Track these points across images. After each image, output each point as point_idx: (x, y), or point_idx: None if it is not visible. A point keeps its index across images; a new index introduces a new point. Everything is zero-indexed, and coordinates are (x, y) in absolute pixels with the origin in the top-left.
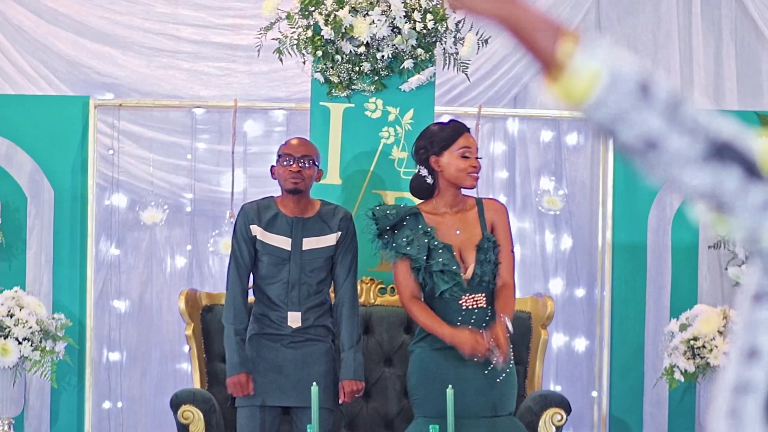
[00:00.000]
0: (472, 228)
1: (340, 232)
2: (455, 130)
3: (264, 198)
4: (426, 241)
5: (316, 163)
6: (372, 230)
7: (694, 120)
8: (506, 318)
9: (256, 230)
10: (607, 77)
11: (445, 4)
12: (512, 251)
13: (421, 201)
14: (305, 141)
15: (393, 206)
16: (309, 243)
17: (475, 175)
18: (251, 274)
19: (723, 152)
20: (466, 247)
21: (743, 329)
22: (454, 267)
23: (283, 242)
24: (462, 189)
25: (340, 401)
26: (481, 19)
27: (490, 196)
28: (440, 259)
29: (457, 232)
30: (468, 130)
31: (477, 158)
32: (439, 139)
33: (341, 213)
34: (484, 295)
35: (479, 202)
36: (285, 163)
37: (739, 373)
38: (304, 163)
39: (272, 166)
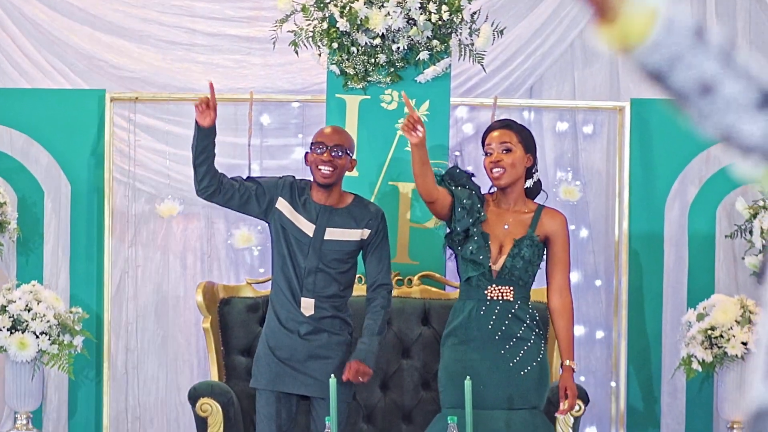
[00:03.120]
0: (521, 227)
1: (369, 230)
2: (486, 129)
3: (302, 179)
4: (471, 220)
5: (349, 153)
6: (441, 170)
7: (746, 67)
8: (571, 363)
9: (283, 205)
10: (664, 18)
11: None
12: (569, 262)
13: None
14: (339, 129)
15: (471, 181)
16: (332, 233)
17: (497, 171)
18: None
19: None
20: (508, 240)
21: None
22: (481, 257)
23: (307, 227)
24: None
25: (344, 378)
26: None
27: (554, 207)
28: (470, 247)
29: (506, 226)
30: (499, 125)
31: (505, 151)
32: (481, 141)
33: (373, 210)
34: (512, 288)
35: (540, 207)
36: (318, 151)
37: None
38: (337, 152)
39: (306, 153)
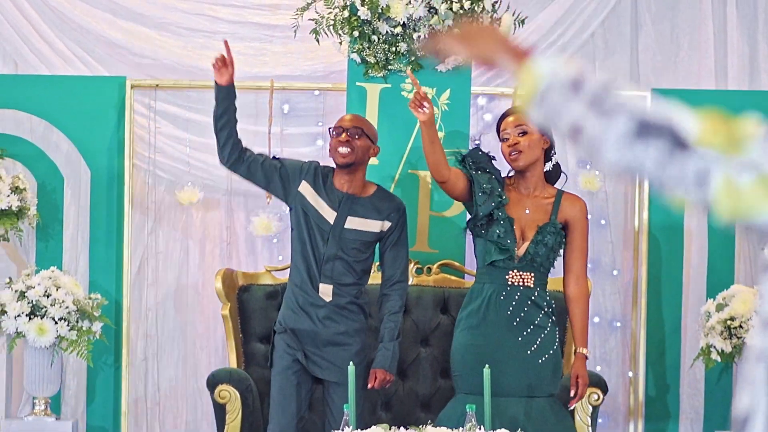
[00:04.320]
0: (542, 212)
1: (390, 223)
2: (500, 116)
3: (325, 166)
4: (493, 204)
5: (369, 136)
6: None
7: (616, 104)
8: (585, 351)
9: (305, 188)
10: (546, 79)
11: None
12: (588, 248)
13: (509, 175)
14: (359, 116)
15: (491, 164)
16: (352, 222)
17: (514, 155)
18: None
19: (644, 130)
20: (530, 226)
21: (761, 300)
22: (508, 241)
23: (329, 214)
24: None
25: (369, 386)
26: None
27: (574, 192)
28: (497, 231)
29: (527, 211)
30: (513, 111)
31: (521, 134)
32: (496, 129)
33: (395, 203)
34: (533, 275)
35: (559, 193)
36: (335, 134)
37: (758, 342)
38: (354, 133)
39: (330, 141)
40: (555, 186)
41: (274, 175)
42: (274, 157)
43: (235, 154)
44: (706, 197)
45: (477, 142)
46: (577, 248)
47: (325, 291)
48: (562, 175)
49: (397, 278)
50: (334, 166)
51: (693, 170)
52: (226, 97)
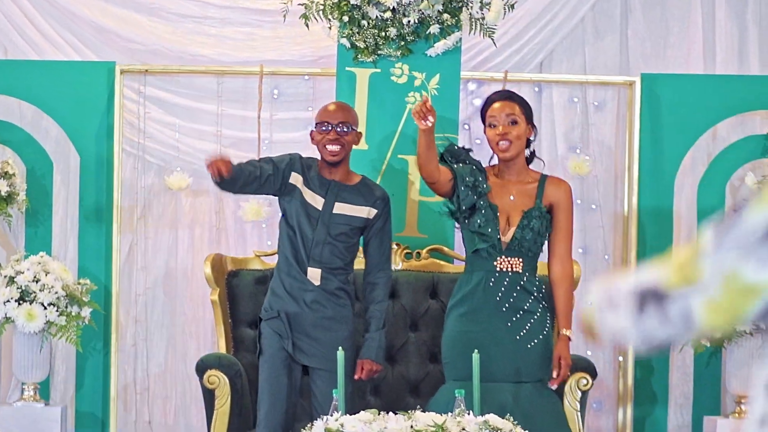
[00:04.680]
0: (527, 198)
1: (376, 210)
2: (486, 100)
3: (308, 157)
4: (475, 197)
5: (354, 128)
6: (441, 147)
7: (620, 295)
8: (568, 332)
9: (296, 178)
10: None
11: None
12: (572, 231)
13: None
14: (342, 105)
15: (470, 156)
16: (340, 208)
17: (504, 143)
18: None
19: (639, 305)
20: (515, 212)
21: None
22: (489, 230)
23: (317, 201)
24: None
25: (356, 377)
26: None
27: (557, 175)
28: (478, 220)
29: (512, 197)
30: (501, 97)
31: (512, 123)
32: (480, 112)
33: (380, 192)
34: (521, 260)
35: (543, 177)
36: (323, 129)
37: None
38: (343, 129)
39: (311, 131)
40: (537, 170)
41: (266, 183)
42: (261, 159)
43: (258, 181)
44: (696, 328)
45: (467, 127)
46: (561, 230)
47: (314, 275)
48: (539, 161)
49: (381, 266)
50: (320, 157)
51: (678, 313)
52: (232, 181)
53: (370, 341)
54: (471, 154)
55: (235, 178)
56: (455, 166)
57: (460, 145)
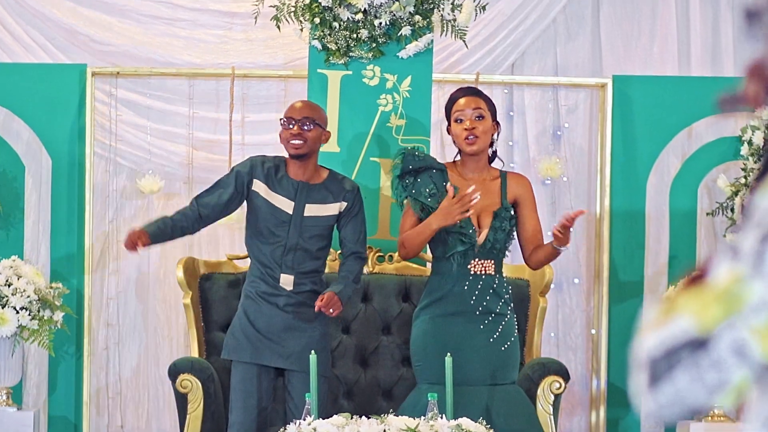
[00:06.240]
0: (493, 196)
1: (346, 203)
2: (451, 97)
3: (276, 156)
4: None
5: (320, 125)
6: (397, 168)
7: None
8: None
9: (259, 186)
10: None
11: None
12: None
13: (449, 161)
14: (309, 103)
15: (426, 154)
16: (311, 210)
17: (471, 139)
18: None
19: (657, 372)
20: (484, 213)
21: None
22: (471, 230)
23: (286, 205)
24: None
25: (315, 307)
26: None
27: (516, 171)
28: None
29: (477, 197)
30: (466, 93)
31: (478, 117)
32: (445, 109)
33: (348, 185)
34: (492, 262)
35: (503, 174)
36: (288, 125)
37: None
38: (305, 125)
39: (281, 131)
40: (496, 167)
41: (235, 199)
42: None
43: (196, 226)
44: (755, 360)
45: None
46: (530, 221)
47: (287, 281)
48: (499, 160)
49: (355, 249)
50: (287, 155)
51: (728, 350)
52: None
53: (337, 285)
54: (426, 157)
55: (161, 238)
56: (414, 200)
57: (431, 146)
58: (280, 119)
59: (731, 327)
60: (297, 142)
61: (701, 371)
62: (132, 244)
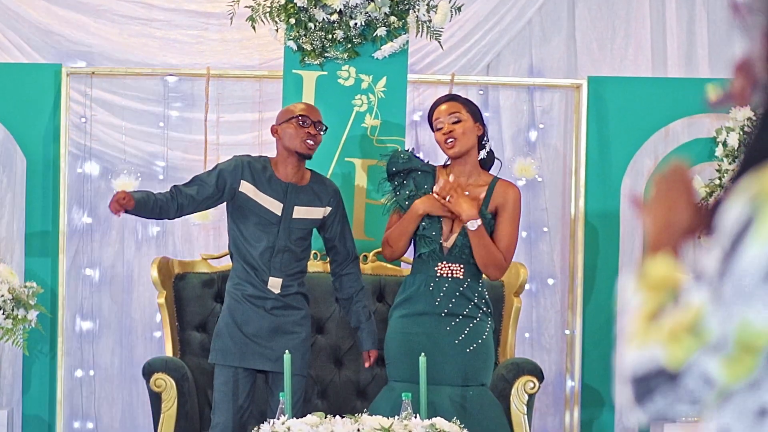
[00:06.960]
0: (474, 202)
1: (330, 208)
2: (431, 106)
3: (261, 156)
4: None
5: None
6: (383, 170)
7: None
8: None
9: (247, 187)
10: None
11: None
12: (516, 235)
13: (442, 165)
14: (316, 108)
15: (413, 156)
16: (299, 212)
17: (450, 142)
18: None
19: (642, 393)
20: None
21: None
22: (433, 233)
23: (275, 206)
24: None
25: (366, 365)
26: None
27: (509, 180)
28: (423, 223)
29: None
30: (445, 99)
31: (455, 122)
32: (428, 119)
33: (332, 188)
34: (462, 266)
35: (494, 180)
36: (302, 123)
37: None
38: (319, 129)
39: (273, 126)
40: (491, 173)
41: (214, 197)
42: (207, 173)
43: (172, 212)
44: (718, 387)
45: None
46: (500, 230)
47: (275, 284)
48: (497, 161)
49: (352, 255)
50: (282, 151)
51: (697, 382)
52: (140, 212)
53: (368, 331)
54: (411, 159)
55: (143, 209)
56: (399, 203)
57: (407, 148)
58: (289, 118)
59: (698, 361)
60: (312, 143)
61: (677, 398)
62: (118, 205)
